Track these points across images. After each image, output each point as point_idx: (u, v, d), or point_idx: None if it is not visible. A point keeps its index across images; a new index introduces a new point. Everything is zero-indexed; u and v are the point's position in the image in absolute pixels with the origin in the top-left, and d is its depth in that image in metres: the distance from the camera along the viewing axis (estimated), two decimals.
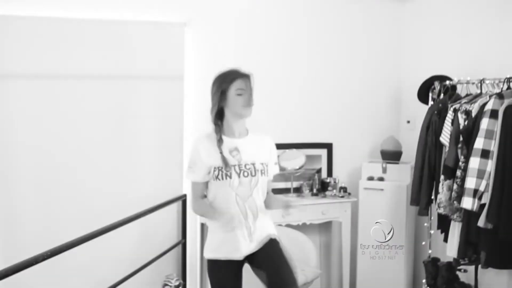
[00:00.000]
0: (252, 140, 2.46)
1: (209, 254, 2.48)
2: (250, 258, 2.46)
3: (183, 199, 3.96)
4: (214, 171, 2.36)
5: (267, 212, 2.50)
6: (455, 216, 3.29)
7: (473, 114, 3.21)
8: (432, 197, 3.58)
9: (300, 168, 4.23)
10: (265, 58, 4.16)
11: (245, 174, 2.36)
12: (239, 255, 2.42)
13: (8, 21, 3.56)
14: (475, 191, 3.04)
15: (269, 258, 2.41)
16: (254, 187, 2.38)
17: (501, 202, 2.94)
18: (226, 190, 2.36)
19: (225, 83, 2.39)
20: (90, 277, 3.65)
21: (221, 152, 2.36)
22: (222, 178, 2.35)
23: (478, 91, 3.42)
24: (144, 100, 3.88)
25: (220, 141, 2.38)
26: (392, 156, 4.22)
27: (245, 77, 2.41)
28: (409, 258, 4.17)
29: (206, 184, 2.45)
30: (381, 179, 4.16)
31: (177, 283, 3.78)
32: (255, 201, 2.40)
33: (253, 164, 2.39)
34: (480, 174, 3.03)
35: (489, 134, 3.02)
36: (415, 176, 3.65)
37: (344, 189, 4.21)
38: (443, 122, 3.43)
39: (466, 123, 3.25)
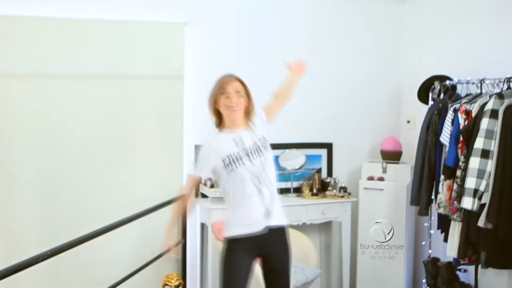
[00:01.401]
0: (249, 128, 2.68)
1: (228, 232, 2.63)
2: (263, 255, 2.65)
3: (183, 199, 3.95)
4: (224, 160, 2.56)
5: (279, 200, 2.70)
6: (455, 216, 3.29)
7: (473, 114, 3.21)
8: (432, 197, 3.58)
9: (300, 168, 4.23)
10: (265, 58, 4.17)
11: (254, 156, 2.58)
12: (257, 229, 2.57)
13: (8, 21, 3.56)
14: (475, 191, 3.04)
15: (275, 270, 2.69)
16: (265, 163, 2.59)
17: (501, 202, 2.93)
18: (241, 173, 2.55)
19: (214, 90, 2.63)
20: (90, 277, 3.65)
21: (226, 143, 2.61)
22: (235, 163, 2.55)
23: (478, 91, 3.42)
24: (144, 100, 3.88)
25: (220, 135, 2.65)
26: (392, 156, 4.22)
27: (230, 80, 2.61)
28: (409, 258, 4.17)
29: (200, 180, 2.77)
30: (381, 179, 4.16)
31: (177, 283, 3.78)
32: (268, 176, 2.60)
33: (255, 145, 2.61)
34: (480, 174, 3.03)
35: (489, 134, 3.02)
36: (415, 176, 3.65)
37: (344, 189, 4.21)
38: (443, 122, 3.43)
39: (466, 123, 3.25)
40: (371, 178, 4.19)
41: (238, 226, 2.60)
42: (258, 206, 2.57)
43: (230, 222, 2.64)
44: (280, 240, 2.67)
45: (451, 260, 3.49)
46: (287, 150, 4.20)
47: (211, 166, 2.61)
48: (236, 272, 2.59)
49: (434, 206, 3.57)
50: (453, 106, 3.38)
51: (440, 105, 3.56)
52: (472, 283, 3.55)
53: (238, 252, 2.59)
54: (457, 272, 3.56)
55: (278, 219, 2.64)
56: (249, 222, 2.58)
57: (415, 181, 3.65)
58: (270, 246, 2.63)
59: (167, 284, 3.76)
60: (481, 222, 2.99)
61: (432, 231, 3.85)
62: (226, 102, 2.57)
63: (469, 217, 3.16)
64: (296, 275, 3.51)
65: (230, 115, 2.60)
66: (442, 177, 3.37)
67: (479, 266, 3.34)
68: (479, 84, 3.41)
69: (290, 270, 2.72)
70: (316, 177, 4.28)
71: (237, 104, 2.57)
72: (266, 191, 2.58)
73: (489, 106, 3.08)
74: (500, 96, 3.11)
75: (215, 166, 2.59)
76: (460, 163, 3.25)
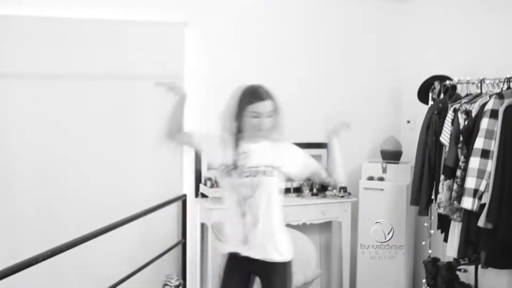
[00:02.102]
0: (266, 146, 2.48)
1: (223, 244, 2.62)
2: (256, 273, 2.52)
3: (183, 199, 3.96)
4: (221, 166, 2.45)
5: (279, 231, 2.50)
6: (455, 216, 3.29)
7: (473, 114, 3.21)
8: (432, 197, 3.58)
9: None
10: (264, 58, 4.17)
11: (246, 175, 2.40)
12: (239, 251, 2.45)
13: (8, 21, 3.56)
14: (475, 191, 3.04)
15: None
16: (256, 189, 2.40)
17: (501, 202, 2.93)
18: (230, 187, 2.45)
19: (242, 103, 2.41)
20: (90, 277, 3.65)
21: (230, 152, 2.45)
22: (226, 175, 2.44)
23: (478, 91, 3.42)
24: (144, 100, 3.88)
25: (233, 143, 2.46)
26: (392, 156, 4.22)
27: (264, 100, 2.40)
28: (409, 258, 4.17)
29: (191, 136, 2.57)
30: (381, 179, 4.16)
31: (177, 283, 3.78)
32: (256, 202, 2.40)
33: (257, 167, 2.42)
34: (480, 174, 3.03)
35: (489, 134, 3.02)
36: (415, 176, 3.65)
37: (344, 189, 4.21)
38: (443, 122, 3.43)
39: (466, 123, 3.25)
40: (371, 178, 4.19)
41: (227, 241, 2.53)
42: (238, 228, 2.43)
43: (224, 234, 2.57)
44: (273, 274, 2.48)
45: (451, 260, 3.49)
46: None
47: (214, 154, 2.49)
48: (230, 285, 2.52)
49: (434, 206, 3.57)
50: (453, 106, 3.38)
51: (440, 105, 3.56)
52: (472, 283, 3.55)
53: (231, 265, 2.51)
54: (457, 272, 3.56)
55: (261, 252, 2.43)
56: (233, 242, 2.47)
57: (415, 181, 3.65)
58: (262, 274, 2.49)
59: (167, 284, 3.77)
60: (481, 222, 2.99)
61: (432, 231, 3.84)
62: (254, 123, 2.39)
63: (469, 217, 3.16)
64: (296, 275, 3.49)
65: (254, 131, 2.41)
66: (442, 177, 3.37)
67: (479, 266, 3.34)
68: (479, 84, 3.40)
69: None
70: None
71: (266, 125, 2.40)
72: (249, 216, 2.40)
73: (489, 106, 3.07)
74: (500, 96, 3.11)
75: (216, 160, 2.47)
76: (460, 163, 3.25)
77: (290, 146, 2.64)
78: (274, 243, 2.46)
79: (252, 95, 2.41)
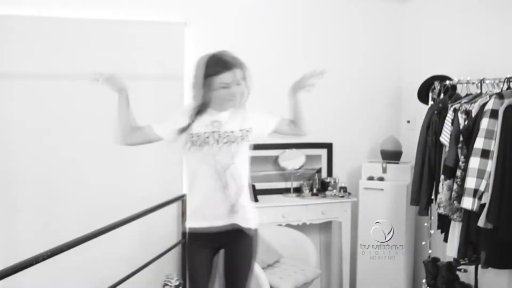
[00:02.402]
0: (234, 113, 2.43)
1: (188, 224, 2.49)
2: (225, 245, 2.48)
3: (183, 199, 3.96)
4: (192, 137, 2.37)
5: (249, 197, 2.48)
6: (455, 216, 3.29)
7: (473, 114, 3.21)
8: (432, 197, 3.58)
9: (300, 168, 4.23)
10: (264, 58, 4.16)
11: (224, 140, 2.35)
12: (220, 223, 2.40)
13: (8, 21, 3.56)
14: (475, 191, 3.04)
15: (233, 263, 2.48)
16: (235, 155, 2.37)
17: (501, 202, 2.93)
18: (205, 158, 2.36)
19: (208, 75, 2.36)
20: (90, 277, 3.64)
21: (192, 121, 2.39)
22: (200, 145, 2.36)
23: (478, 91, 3.42)
24: (144, 100, 3.87)
25: (198, 113, 2.40)
26: (392, 156, 4.22)
27: (233, 69, 2.33)
28: (409, 258, 4.17)
29: (150, 127, 2.57)
30: (381, 179, 4.16)
31: (177, 283, 3.78)
32: (238, 169, 2.37)
33: (232, 132, 2.38)
34: (480, 174, 3.03)
35: (489, 134, 3.02)
36: (415, 176, 3.65)
37: (344, 189, 4.21)
38: (443, 122, 3.43)
39: (466, 123, 3.25)
40: (371, 178, 4.19)
41: (199, 218, 2.42)
42: (222, 200, 2.35)
43: (192, 212, 2.47)
44: (242, 241, 2.45)
45: (451, 260, 3.49)
46: (287, 150, 4.20)
47: (176, 127, 2.41)
48: (197, 267, 2.48)
49: (434, 206, 3.57)
50: (453, 106, 3.38)
51: (440, 105, 3.56)
52: (472, 283, 3.55)
53: (198, 246, 2.46)
54: (457, 272, 3.56)
55: (242, 220, 2.41)
56: (212, 215, 2.38)
57: (415, 181, 3.65)
58: (231, 243, 2.45)
59: (167, 284, 3.77)
60: (481, 222, 2.99)
61: (432, 231, 3.85)
62: (224, 94, 2.32)
63: (469, 217, 3.16)
64: (296, 275, 3.51)
65: (223, 102, 2.35)
66: (442, 177, 3.37)
67: (479, 266, 3.35)
68: (479, 84, 3.40)
69: (248, 270, 2.51)
70: (316, 177, 4.28)
71: (236, 95, 2.34)
72: (232, 185, 2.35)
73: (489, 106, 3.08)
74: (500, 96, 3.11)
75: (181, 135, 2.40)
76: (460, 163, 3.25)
77: (253, 110, 2.53)
78: (251, 209, 2.47)
79: (219, 65, 2.33)
